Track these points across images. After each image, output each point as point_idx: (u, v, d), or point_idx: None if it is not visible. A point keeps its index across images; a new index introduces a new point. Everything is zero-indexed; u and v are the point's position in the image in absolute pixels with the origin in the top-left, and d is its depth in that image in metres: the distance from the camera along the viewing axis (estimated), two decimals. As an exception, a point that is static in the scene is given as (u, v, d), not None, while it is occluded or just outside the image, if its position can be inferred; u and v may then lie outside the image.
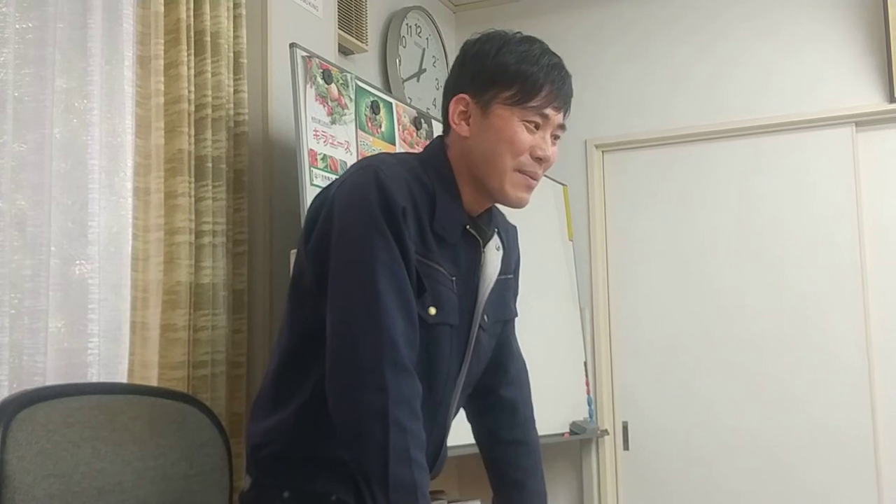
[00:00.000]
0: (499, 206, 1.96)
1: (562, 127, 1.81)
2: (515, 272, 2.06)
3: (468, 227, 1.80)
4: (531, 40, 1.80)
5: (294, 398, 1.76)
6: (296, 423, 1.75)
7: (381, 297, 1.63)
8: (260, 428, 1.81)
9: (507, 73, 1.74)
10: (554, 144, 1.81)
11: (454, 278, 1.78)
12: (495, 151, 1.75)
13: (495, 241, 1.87)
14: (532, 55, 1.76)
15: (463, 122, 1.78)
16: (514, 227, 2.08)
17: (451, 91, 1.82)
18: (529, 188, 1.80)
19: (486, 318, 1.87)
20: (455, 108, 1.79)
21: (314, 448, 1.74)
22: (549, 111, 1.76)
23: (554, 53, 1.80)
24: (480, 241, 1.83)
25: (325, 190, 1.82)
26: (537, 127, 1.76)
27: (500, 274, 1.89)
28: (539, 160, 1.77)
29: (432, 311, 1.73)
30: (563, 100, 1.79)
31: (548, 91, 1.75)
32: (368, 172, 1.70)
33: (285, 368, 1.80)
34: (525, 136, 1.75)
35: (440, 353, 1.77)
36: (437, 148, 1.84)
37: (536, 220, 3.99)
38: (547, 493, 2.06)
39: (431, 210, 1.74)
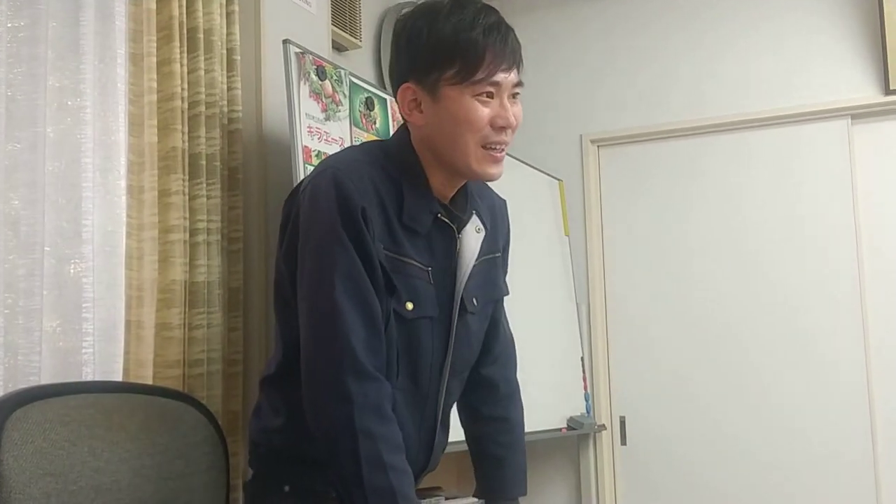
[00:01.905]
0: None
1: (519, 84, 1.74)
2: (504, 249, 2.02)
3: (439, 214, 1.77)
4: (462, 4, 1.71)
5: (287, 406, 1.78)
6: (291, 429, 1.77)
7: (338, 306, 1.63)
8: (259, 426, 1.85)
9: (446, 50, 1.67)
10: (514, 104, 1.73)
11: (429, 269, 1.76)
12: (454, 133, 1.70)
13: (475, 224, 1.83)
14: (466, 21, 1.68)
15: (415, 111, 1.73)
16: (504, 202, 2.04)
17: (395, 79, 1.77)
18: (497, 161, 1.74)
19: (475, 301, 1.86)
20: (403, 98, 1.74)
21: (309, 451, 1.75)
22: (498, 77, 1.69)
23: (490, 10, 1.72)
24: (454, 228, 1.80)
25: (293, 193, 1.82)
26: (491, 96, 1.69)
27: (483, 254, 1.86)
28: (502, 129, 1.71)
29: (409, 306, 1.72)
30: (510, 58, 1.71)
31: (491, 56, 1.67)
32: (326, 175, 1.68)
33: (280, 376, 1.82)
34: (481, 112, 1.68)
35: (421, 346, 1.76)
36: (402, 135, 1.80)
37: (532, 216, 3.99)
38: (527, 468, 2.05)
39: (399, 203, 1.71)
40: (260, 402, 1.86)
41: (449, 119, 1.69)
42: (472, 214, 1.85)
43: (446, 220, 1.79)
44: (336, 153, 1.85)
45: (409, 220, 1.72)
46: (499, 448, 2.02)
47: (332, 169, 1.69)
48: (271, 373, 1.84)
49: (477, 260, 1.83)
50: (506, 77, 1.70)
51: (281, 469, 1.80)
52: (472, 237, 1.83)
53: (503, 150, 1.74)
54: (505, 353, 2.08)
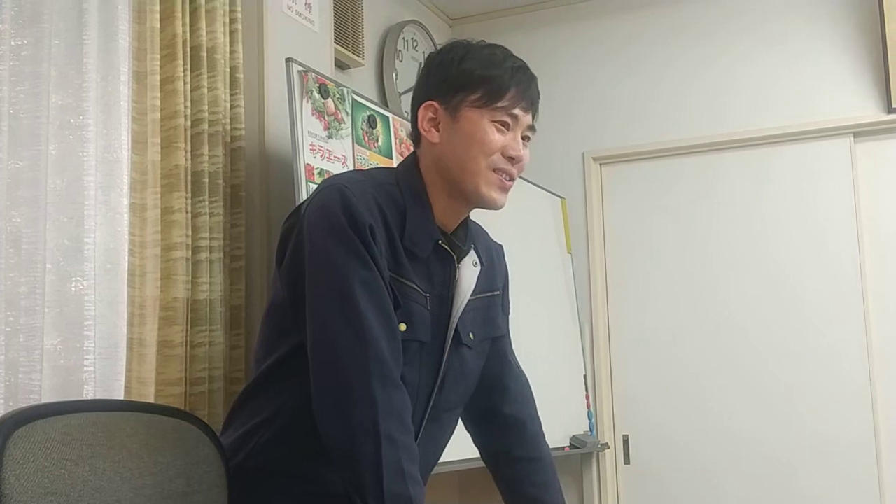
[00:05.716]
0: (486, 229, 1.96)
1: (531, 128, 1.82)
2: (504, 289, 2.04)
3: (440, 241, 1.79)
4: (493, 46, 1.82)
5: (258, 415, 1.79)
6: (258, 435, 1.79)
7: (361, 312, 1.63)
8: (227, 441, 1.87)
9: (473, 78, 1.76)
10: (525, 146, 1.81)
11: (428, 295, 1.77)
12: (468, 154, 1.75)
13: (472, 258, 1.86)
14: (496, 59, 1.78)
15: (432, 129, 1.78)
16: (500, 246, 2.07)
17: (418, 101, 1.83)
18: (504, 189, 1.80)
19: (471, 335, 1.86)
20: (424, 115, 1.79)
21: (274, 462, 1.77)
22: (517, 111, 1.77)
23: (517, 57, 1.82)
24: (454, 257, 1.82)
25: (294, 211, 1.83)
26: (507, 127, 1.76)
27: (482, 291, 1.89)
28: (511, 159, 1.77)
29: (402, 327, 1.72)
30: (529, 100, 1.80)
31: (514, 92, 1.76)
32: (333, 191, 1.70)
33: (257, 389, 1.83)
34: (496, 136, 1.75)
35: (408, 369, 1.74)
36: (410, 162, 1.85)
37: (535, 233, 3.99)
38: None
39: (402, 225, 1.74)
40: (230, 417, 1.89)
41: (465, 139, 1.75)
42: (471, 247, 1.88)
43: (446, 248, 1.81)
44: (339, 174, 1.87)
45: (411, 242, 1.74)
46: (534, 488, 1.98)
47: (339, 185, 1.71)
48: (246, 387, 1.86)
49: (474, 294, 1.85)
50: (523, 114, 1.79)
51: (240, 487, 1.84)
52: (470, 270, 1.85)
53: (510, 180, 1.80)
54: (523, 391, 2.06)
